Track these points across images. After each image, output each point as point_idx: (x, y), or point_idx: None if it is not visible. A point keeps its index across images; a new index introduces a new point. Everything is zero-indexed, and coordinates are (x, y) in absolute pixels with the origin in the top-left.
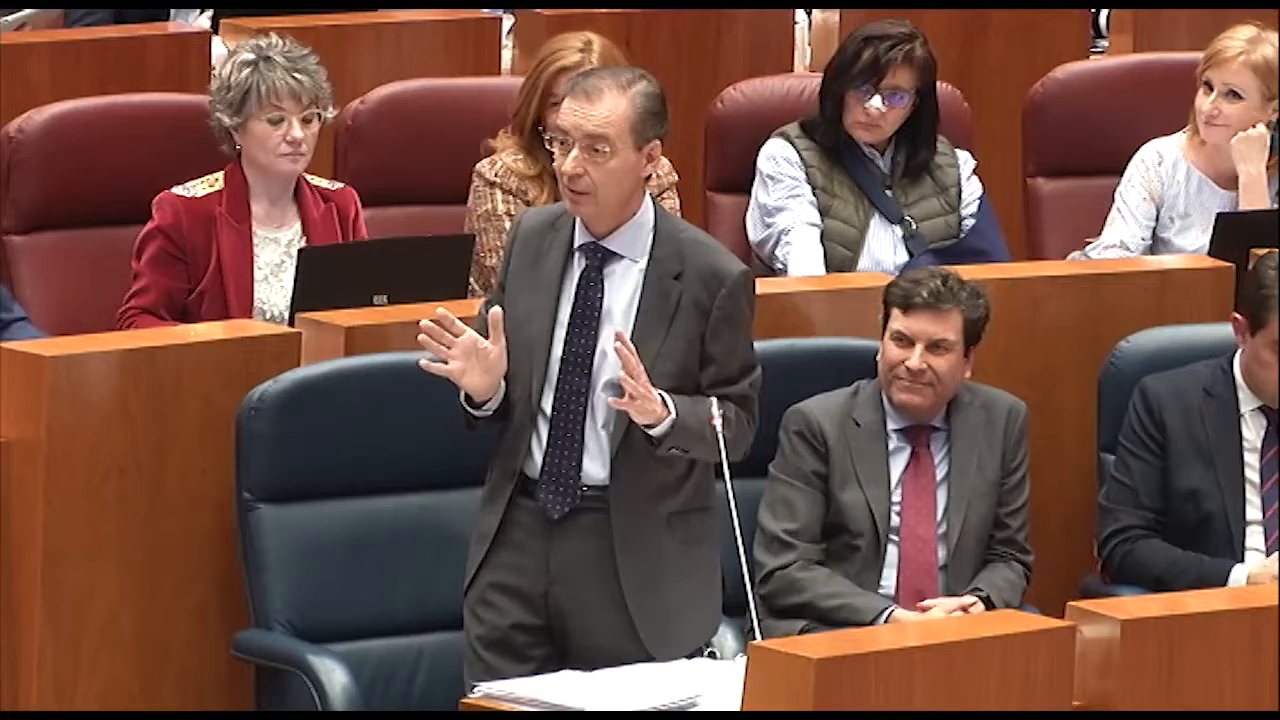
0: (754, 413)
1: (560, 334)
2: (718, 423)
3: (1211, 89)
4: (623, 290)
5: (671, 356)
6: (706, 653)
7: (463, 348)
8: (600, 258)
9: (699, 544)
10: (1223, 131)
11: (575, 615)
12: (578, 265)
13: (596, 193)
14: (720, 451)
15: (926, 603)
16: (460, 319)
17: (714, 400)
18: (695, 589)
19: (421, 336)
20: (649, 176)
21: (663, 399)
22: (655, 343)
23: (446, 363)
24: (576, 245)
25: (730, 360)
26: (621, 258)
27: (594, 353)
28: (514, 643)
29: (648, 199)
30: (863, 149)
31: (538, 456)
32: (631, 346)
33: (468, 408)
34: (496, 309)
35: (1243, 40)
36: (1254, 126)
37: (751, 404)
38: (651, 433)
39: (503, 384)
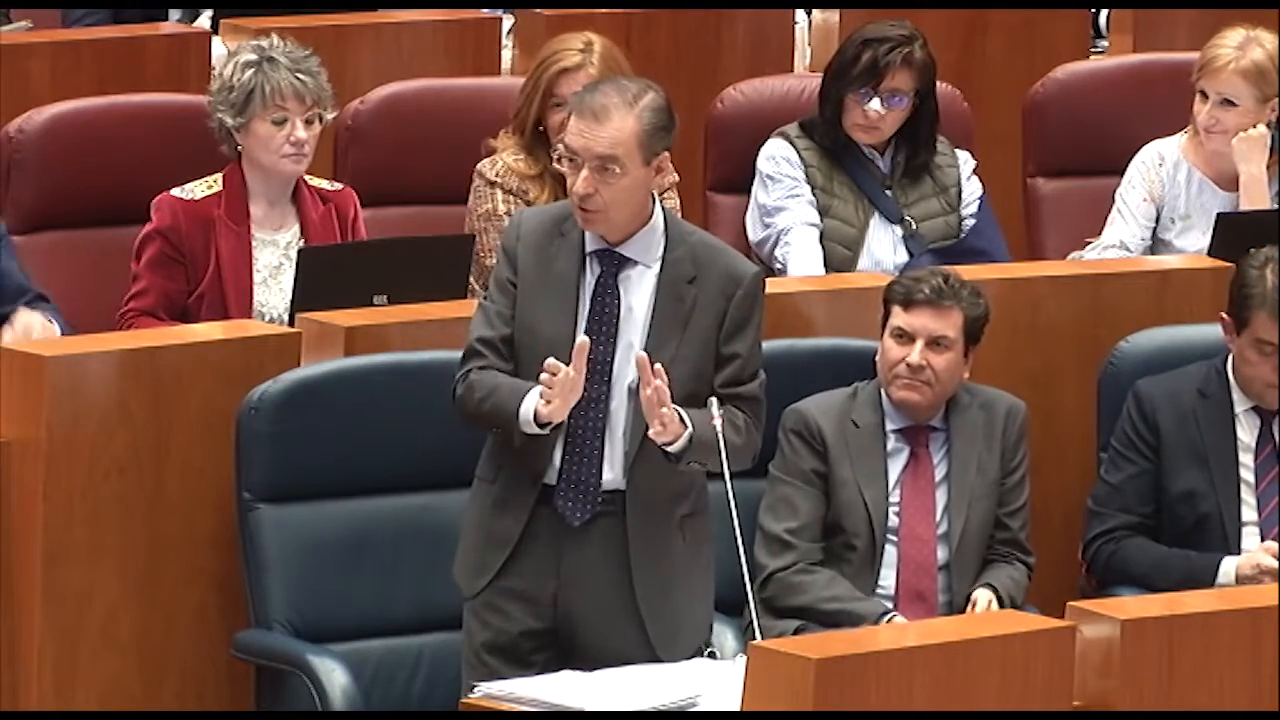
0: (761, 418)
1: (578, 340)
2: (717, 422)
3: (1206, 97)
4: (639, 295)
5: (687, 360)
6: (706, 653)
7: (560, 385)
8: (616, 264)
9: (703, 545)
10: (1222, 139)
11: (585, 618)
12: (591, 271)
13: (608, 211)
14: (721, 453)
15: (976, 595)
16: (459, 318)
17: (714, 400)
18: (699, 589)
19: (545, 391)
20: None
21: (680, 416)
22: (671, 347)
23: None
24: (589, 251)
25: (746, 362)
26: (636, 263)
27: (612, 360)
28: (520, 649)
29: (656, 202)
30: (863, 149)
31: (555, 463)
32: (662, 373)
33: (530, 427)
34: (584, 338)
35: (1232, 47)
36: (1254, 126)
37: (760, 408)
38: (670, 449)
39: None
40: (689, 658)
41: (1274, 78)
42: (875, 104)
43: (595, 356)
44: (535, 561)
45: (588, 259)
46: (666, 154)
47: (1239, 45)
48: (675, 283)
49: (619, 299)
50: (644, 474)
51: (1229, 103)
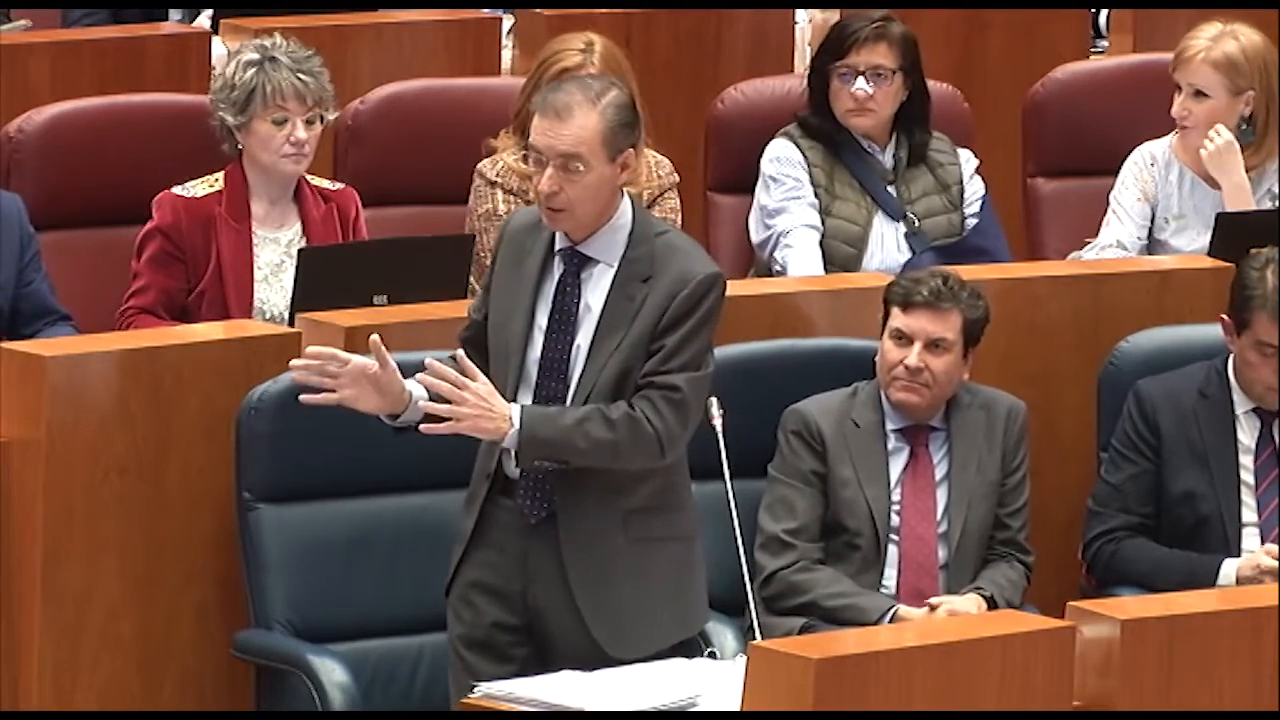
0: (679, 411)
1: (538, 338)
2: (717, 423)
3: (1181, 90)
4: (596, 294)
5: (622, 353)
6: (706, 653)
7: (351, 375)
8: (577, 263)
9: (661, 542)
10: (1193, 132)
11: (552, 615)
12: (557, 269)
13: (573, 209)
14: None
15: (934, 600)
16: (459, 318)
17: (714, 399)
18: (657, 589)
19: (297, 375)
20: (630, 183)
21: (506, 413)
22: (613, 341)
23: (335, 392)
24: (556, 249)
25: (670, 354)
26: (598, 262)
27: (569, 357)
28: (496, 642)
29: (626, 201)
30: (863, 144)
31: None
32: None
33: (386, 420)
34: (375, 336)
35: (1205, 38)
36: (1216, 129)
37: (675, 394)
38: (503, 445)
39: (415, 398)
40: (652, 657)
41: (1247, 69)
42: (861, 83)
43: (554, 354)
44: (500, 556)
45: (554, 257)
46: (632, 151)
47: (1213, 37)
48: (629, 281)
49: (579, 297)
50: (574, 469)
51: (1201, 94)
